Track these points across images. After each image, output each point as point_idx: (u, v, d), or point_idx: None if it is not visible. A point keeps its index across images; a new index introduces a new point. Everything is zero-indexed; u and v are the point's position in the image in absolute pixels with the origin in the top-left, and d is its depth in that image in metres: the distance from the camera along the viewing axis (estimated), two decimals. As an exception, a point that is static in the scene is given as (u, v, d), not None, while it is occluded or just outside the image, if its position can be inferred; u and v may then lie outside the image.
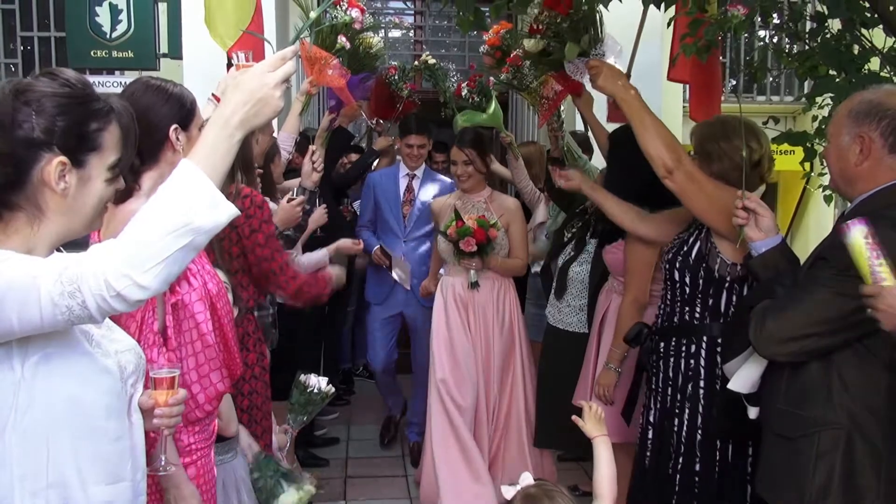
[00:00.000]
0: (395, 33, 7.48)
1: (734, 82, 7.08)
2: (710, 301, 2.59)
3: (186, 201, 1.28)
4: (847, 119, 2.03)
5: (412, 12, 7.36)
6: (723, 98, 6.90)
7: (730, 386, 2.24)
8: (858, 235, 1.72)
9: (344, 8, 3.89)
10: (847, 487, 1.92)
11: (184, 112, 1.94)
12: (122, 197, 1.74)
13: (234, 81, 1.40)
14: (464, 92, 4.71)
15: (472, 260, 3.89)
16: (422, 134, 4.77)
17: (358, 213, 5.32)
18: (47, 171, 1.32)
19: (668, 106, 5.22)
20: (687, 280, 2.61)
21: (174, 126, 1.90)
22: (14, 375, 1.30)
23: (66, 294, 1.24)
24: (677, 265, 2.65)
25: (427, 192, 4.77)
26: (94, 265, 1.25)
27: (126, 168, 1.45)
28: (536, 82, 4.17)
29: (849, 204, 2.16)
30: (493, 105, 4.57)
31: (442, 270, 4.27)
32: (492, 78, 4.68)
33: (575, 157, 4.65)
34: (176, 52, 5.68)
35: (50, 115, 1.32)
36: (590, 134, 4.44)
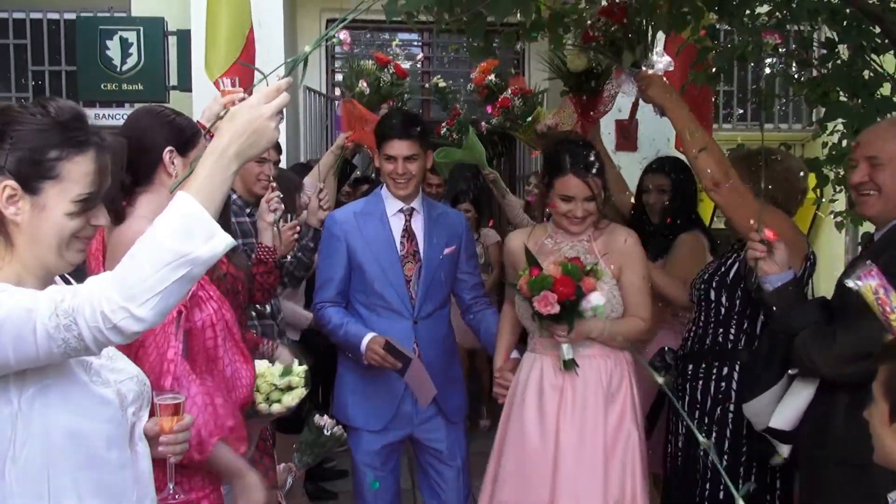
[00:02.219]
0: (404, 65, 7.55)
1: (741, 111, 7.09)
2: (745, 324, 2.60)
3: (182, 233, 1.28)
4: None
5: (420, 44, 7.44)
6: (730, 126, 6.96)
7: (772, 424, 2.19)
8: (868, 292, 1.71)
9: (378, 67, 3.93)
10: None
11: (182, 138, 1.94)
12: (115, 220, 1.75)
13: (230, 113, 1.40)
14: (443, 130, 4.56)
15: (558, 327, 2.52)
16: (408, 138, 2.88)
17: None
18: None
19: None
20: (724, 300, 2.63)
21: (169, 148, 1.91)
22: (11, 409, 1.29)
23: (62, 327, 1.23)
24: (714, 285, 2.66)
25: (437, 233, 3.00)
26: (90, 298, 1.24)
27: (106, 200, 1.42)
28: (528, 121, 4.10)
29: (870, 229, 2.16)
30: (471, 139, 4.26)
31: (514, 353, 2.86)
32: (484, 122, 4.58)
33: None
34: (185, 85, 5.74)
35: (5, 140, 1.32)
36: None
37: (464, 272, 3.09)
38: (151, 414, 1.53)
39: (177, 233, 1.27)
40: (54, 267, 1.39)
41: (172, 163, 1.91)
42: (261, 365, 2.08)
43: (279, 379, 2.08)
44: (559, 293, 2.43)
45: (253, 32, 3.64)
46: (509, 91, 4.19)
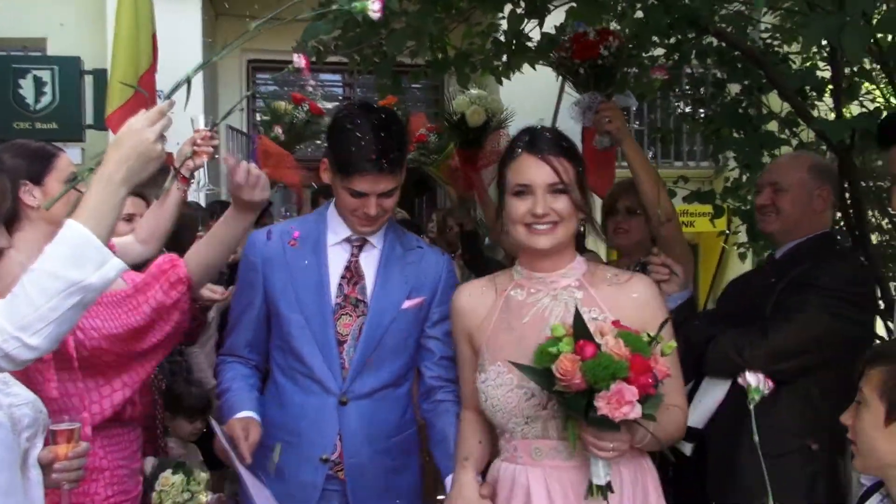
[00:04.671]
0: (326, 105, 7.64)
1: (651, 151, 7.41)
2: None
3: (73, 261, 1.29)
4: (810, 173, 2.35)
5: (341, 84, 7.53)
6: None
7: (689, 423, 2.30)
8: None
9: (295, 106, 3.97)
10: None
11: (32, 167, 1.93)
12: None
13: (115, 139, 1.42)
14: None
15: (616, 438, 1.58)
16: (387, 171, 1.93)
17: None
18: None
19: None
20: None
21: (23, 181, 1.90)
22: None
23: None
24: None
25: (398, 277, 2.06)
26: None
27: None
28: (441, 156, 4.15)
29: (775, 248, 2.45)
30: None
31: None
32: None
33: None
34: (102, 124, 5.67)
35: None
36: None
37: (431, 336, 2.08)
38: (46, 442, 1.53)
39: (67, 261, 1.29)
40: None
41: (32, 195, 1.91)
42: (166, 477, 2.14)
43: (182, 495, 2.14)
44: (639, 385, 1.49)
45: (153, 73, 3.65)
46: (425, 129, 4.29)
